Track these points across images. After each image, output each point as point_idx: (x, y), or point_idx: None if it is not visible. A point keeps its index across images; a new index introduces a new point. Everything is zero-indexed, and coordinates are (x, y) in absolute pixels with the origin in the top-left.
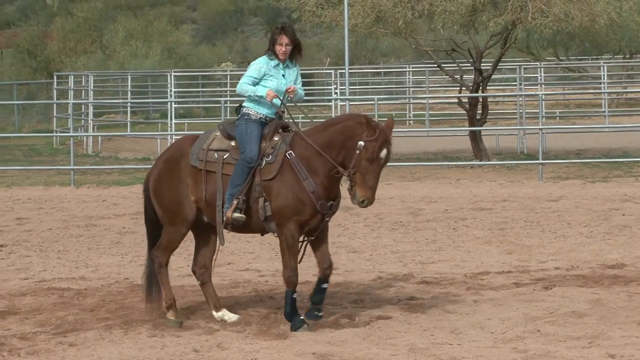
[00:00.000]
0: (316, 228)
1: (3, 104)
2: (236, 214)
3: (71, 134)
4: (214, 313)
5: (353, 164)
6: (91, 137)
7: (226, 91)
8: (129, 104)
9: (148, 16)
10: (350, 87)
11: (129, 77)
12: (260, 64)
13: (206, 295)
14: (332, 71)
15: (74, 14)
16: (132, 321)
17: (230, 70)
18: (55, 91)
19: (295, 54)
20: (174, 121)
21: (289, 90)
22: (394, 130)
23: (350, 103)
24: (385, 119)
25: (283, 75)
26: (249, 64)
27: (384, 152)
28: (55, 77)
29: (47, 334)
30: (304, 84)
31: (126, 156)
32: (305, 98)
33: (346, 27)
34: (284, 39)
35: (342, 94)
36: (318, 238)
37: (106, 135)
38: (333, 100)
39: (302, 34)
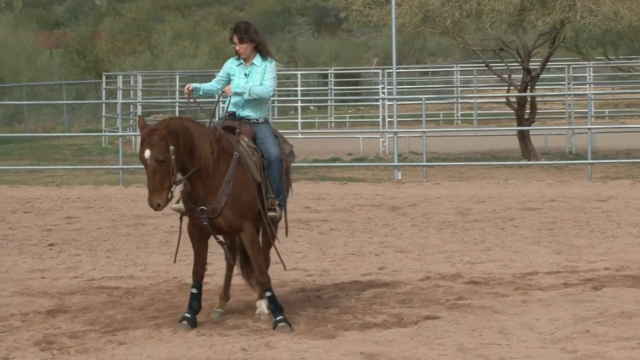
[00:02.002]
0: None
1: (53, 103)
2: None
3: (120, 133)
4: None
5: None
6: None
7: None
8: (177, 103)
9: (196, 16)
10: (397, 87)
11: (177, 77)
12: (226, 64)
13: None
14: (380, 71)
15: (122, 14)
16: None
17: (278, 70)
18: (104, 91)
19: (262, 52)
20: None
21: (225, 90)
22: (441, 129)
23: (398, 103)
24: (435, 119)
25: (245, 74)
26: (296, 64)
27: (143, 153)
28: (104, 77)
29: (97, 333)
30: (352, 83)
31: None
32: (352, 98)
33: (394, 26)
34: (234, 38)
35: (389, 93)
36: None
37: None
38: (380, 100)
39: (350, 33)
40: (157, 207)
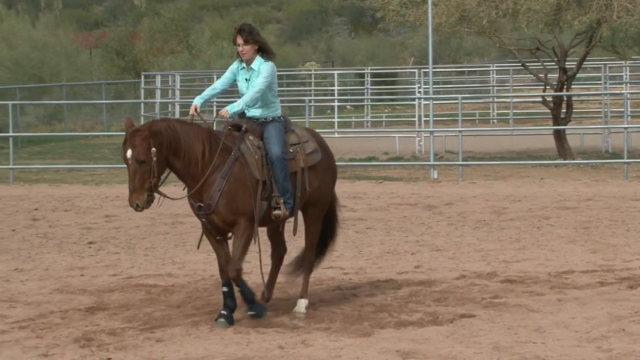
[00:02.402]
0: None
1: (92, 103)
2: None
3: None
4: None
5: None
6: None
7: (310, 90)
8: (214, 103)
9: (233, 16)
10: (433, 86)
11: (215, 76)
12: (232, 66)
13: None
14: (416, 70)
15: (161, 14)
16: None
17: (315, 70)
18: (142, 90)
19: (266, 52)
20: None
21: (220, 114)
22: (477, 129)
23: (434, 102)
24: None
25: (246, 79)
26: (332, 63)
27: (125, 153)
28: (142, 76)
29: (135, 330)
30: (388, 83)
31: None
32: (389, 97)
33: (430, 26)
34: (239, 40)
35: (425, 93)
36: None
37: None
38: (417, 100)
39: (386, 33)
40: (137, 208)
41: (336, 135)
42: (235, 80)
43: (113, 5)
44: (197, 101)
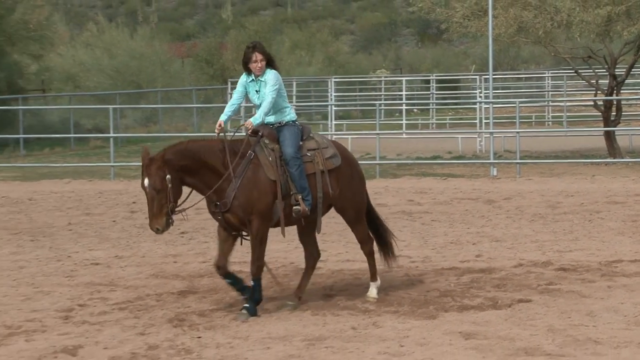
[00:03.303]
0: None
1: (184, 107)
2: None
3: (242, 133)
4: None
5: None
6: None
7: (381, 95)
8: (294, 106)
9: (311, 28)
10: (493, 91)
11: (294, 82)
12: (241, 79)
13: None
14: (477, 77)
15: (246, 27)
16: (291, 300)
17: (385, 77)
18: (229, 95)
19: (272, 65)
20: (333, 122)
21: (245, 125)
22: (534, 130)
23: (494, 106)
24: (528, 121)
25: (257, 91)
26: (401, 70)
27: (143, 181)
28: (229, 83)
29: (222, 311)
30: (452, 88)
31: None
32: (452, 101)
33: (490, 36)
34: (258, 56)
35: (486, 97)
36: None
37: None
38: (478, 104)
39: (450, 43)
40: (157, 232)
41: (404, 136)
42: (247, 93)
43: (203, 18)
44: (222, 118)
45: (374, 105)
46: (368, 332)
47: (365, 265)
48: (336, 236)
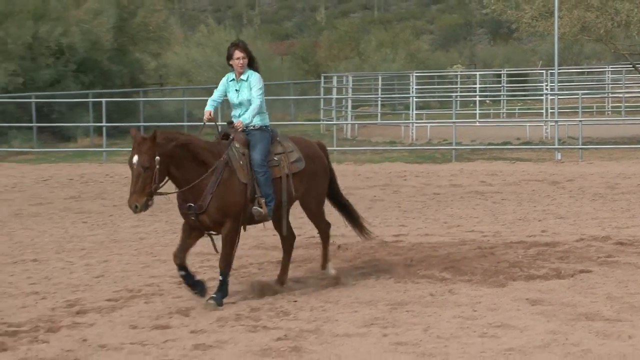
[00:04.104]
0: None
1: (282, 98)
2: None
3: (334, 122)
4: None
5: None
6: (350, 124)
7: (457, 88)
8: (379, 98)
9: (395, 29)
10: (558, 84)
11: (380, 77)
12: (223, 80)
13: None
14: (544, 71)
15: (337, 27)
16: (381, 270)
17: (461, 71)
18: (322, 89)
19: (252, 66)
20: (414, 112)
21: (235, 126)
22: (595, 119)
23: (558, 97)
24: (590, 110)
25: (236, 90)
26: (475, 66)
27: (132, 158)
28: (322, 77)
29: (315, 279)
30: (521, 81)
31: (377, 140)
32: (521, 93)
33: (556, 35)
34: (240, 54)
35: (552, 90)
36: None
37: (361, 123)
38: (544, 95)
39: (519, 41)
40: (135, 209)
41: (477, 124)
42: (226, 92)
43: (300, 20)
44: (210, 108)
45: (450, 97)
46: (444, 298)
47: (443, 237)
48: (416, 213)
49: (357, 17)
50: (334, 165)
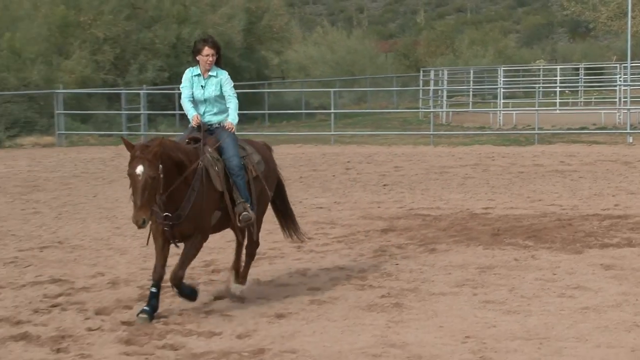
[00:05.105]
0: (168, 235)
1: (386, 90)
2: None
3: (431, 110)
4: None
5: None
6: (445, 112)
7: (539, 80)
8: (470, 89)
9: (485, 29)
10: (630, 76)
11: (471, 71)
12: (186, 74)
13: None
14: (618, 65)
15: (435, 28)
16: (471, 238)
17: (543, 66)
18: (421, 81)
19: (219, 63)
20: (501, 101)
21: (226, 127)
22: None
23: (631, 87)
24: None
25: (202, 86)
26: (556, 61)
27: (135, 169)
28: (421, 71)
29: (415, 245)
30: (597, 74)
31: (468, 125)
32: (597, 84)
33: (629, 33)
34: (208, 50)
35: (624, 81)
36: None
37: (455, 111)
38: (618, 86)
39: (595, 39)
40: (142, 224)
41: (557, 112)
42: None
43: (402, 22)
44: (196, 112)
45: (534, 88)
46: (527, 262)
47: (526, 210)
48: (503, 189)
49: (452, 18)
50: (429, 149)
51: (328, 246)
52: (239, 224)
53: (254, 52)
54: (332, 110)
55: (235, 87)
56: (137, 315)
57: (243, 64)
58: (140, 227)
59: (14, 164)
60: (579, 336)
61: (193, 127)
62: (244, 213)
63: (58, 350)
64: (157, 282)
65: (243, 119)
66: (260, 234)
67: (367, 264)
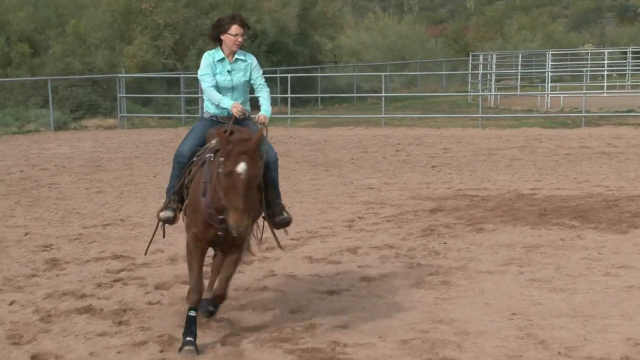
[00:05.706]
0: (213, 242)
1: (436, 74)
2: (164, 213)
3: (480, 93)
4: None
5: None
6: (493, 95)
7: (587, 64)
8: (519, 73)
9: (534, 13)
10: None
11: (520, 55)
12: (206, 59)
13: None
14: None
15: (484, 13)
16: (518, 218)
17: (591, 50)
18: (470, 65)
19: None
20: (549, 85)
21: (260, 120)
22: None
23: None
24: None
25: (228, 72)
26: (604, 45)
27: (236, 166)
28: (470, 56)
29: (462, 225)
30: None
31: (516, 108)
32: None
33: None
34: (237, 29)
35: None
36: (222, 258)
37: (503, 94)
38: None
39: None
40: (245, 231)
41: (605, 95)
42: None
43: (452, 7)
44: (232, 100)
45: (581, 71)
46: (574, 242)
47: (572, 191)
48: (550, 170)
49: (501, 4)
50: (477, 131)
51: (378, 225)
52: (275, 228)
53: (307, 38)
54: (383, 94)
55: (290, 71)
56: (182, 348)
57: (297, 49)
58: (241, 234)
59: (79, 145)
60: (624, 314)
61: (236, 118)
62: (285, 215)
63: (120, 323)
64: (197, 304)
65: (297, 102)
66: (315, 213)
67: (416, 243)
